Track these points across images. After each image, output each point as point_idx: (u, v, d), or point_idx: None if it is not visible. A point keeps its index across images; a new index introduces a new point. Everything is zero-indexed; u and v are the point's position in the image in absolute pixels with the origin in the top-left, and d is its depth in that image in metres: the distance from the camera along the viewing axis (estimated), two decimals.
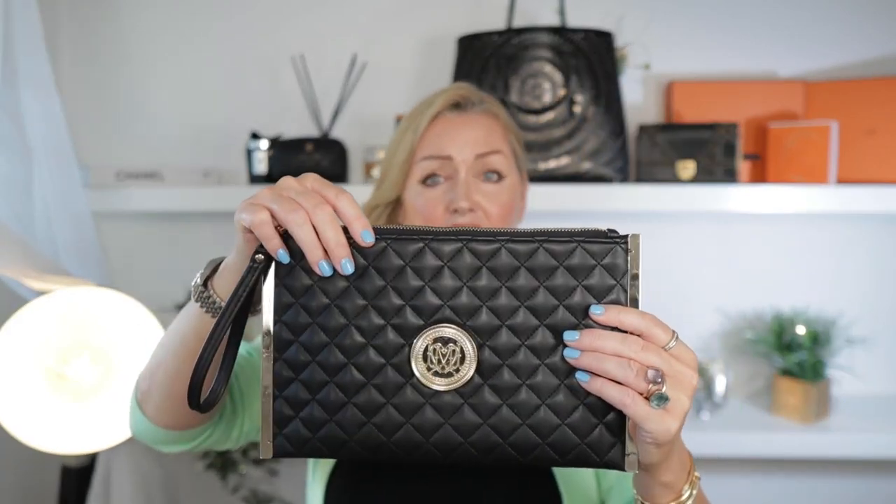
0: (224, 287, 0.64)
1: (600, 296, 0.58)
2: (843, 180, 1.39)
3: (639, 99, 1.55)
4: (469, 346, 0.58)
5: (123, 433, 1.12)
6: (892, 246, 1.55)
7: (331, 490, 0.84)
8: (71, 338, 1.09)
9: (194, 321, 0.67)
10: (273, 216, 0.56)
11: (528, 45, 1.34)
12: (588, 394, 0.57)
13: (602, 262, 0.58)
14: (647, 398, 0.54)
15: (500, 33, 1.36)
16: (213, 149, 1.62)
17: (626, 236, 0.58)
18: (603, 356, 0.55)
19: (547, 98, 1.35)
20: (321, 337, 0.58)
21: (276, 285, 0.59)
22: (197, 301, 0.66)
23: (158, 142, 1.63)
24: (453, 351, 0.58)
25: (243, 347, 0.84)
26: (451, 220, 0.85)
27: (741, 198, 1.33)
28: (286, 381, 0.59)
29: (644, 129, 1.37)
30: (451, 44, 1.43)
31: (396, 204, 0.92)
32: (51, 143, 1.27)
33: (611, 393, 0.55)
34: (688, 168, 1.34)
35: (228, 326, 0.57)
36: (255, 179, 1.48)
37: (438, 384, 0.58)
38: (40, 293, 1.11)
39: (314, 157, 1.41)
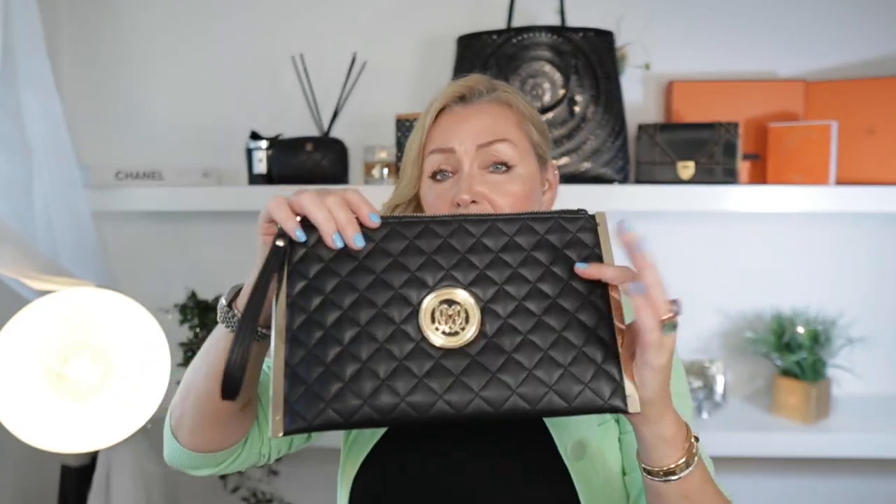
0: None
1: (579, 259, 0.66)
2: (842, 180, 1.39)
3: (639, 99, 1.55)
4: (473, 306, 0.63)
5: (123, 433, 1.12)
6: (892, 246, 1.55)
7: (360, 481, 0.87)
8: (71, 338, 1.09)
9: (222, 342, 0.70)
10: (291, 207, 0.65)
11: (527, 44, 1.34)
12: (585, 341, 0.63)
13: (577, 233, 0.67)
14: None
15: (499, 33, 1.36)
16: (213, 149, 1.62)
17: (594, 214, 0.69)
18: (646, 278, 0.61)
19: (547, 98, 1.35)
20: (333, 309, 0.62)
21: (290, 271, 0.64)
22: (223, 322, 0.70)
23: (158, 142, 1.63)
24: (458, 311, 0.63)
25: (265, 363, 0.84)
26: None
27: (741, 198, 1.33)
28: (298, 356, 0.61)
29: (644, 129, 1.37)
30: (451, 44, 1.43)
31: (416, 202, 0.92)
32: (51, 143, 1.27)
33: (653, 306, 0.60)
34: (688, 168, 1.34)
35: (258, 312, 0.60)
36: (254, 179, 1.48)
37: (448, 342, 0.62)
38: (40, 293, 1.11)
39: (314, 156, 1.41)
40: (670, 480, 0.66)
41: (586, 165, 1.34)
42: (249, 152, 1.48)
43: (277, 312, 0.63)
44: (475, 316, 0.63)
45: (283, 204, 0.65)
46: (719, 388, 1.46)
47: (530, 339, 0.63)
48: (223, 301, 0.71)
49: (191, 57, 1.62)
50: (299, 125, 1.57)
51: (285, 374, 0.60)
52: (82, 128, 1.60)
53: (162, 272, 1.64)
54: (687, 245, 1.57)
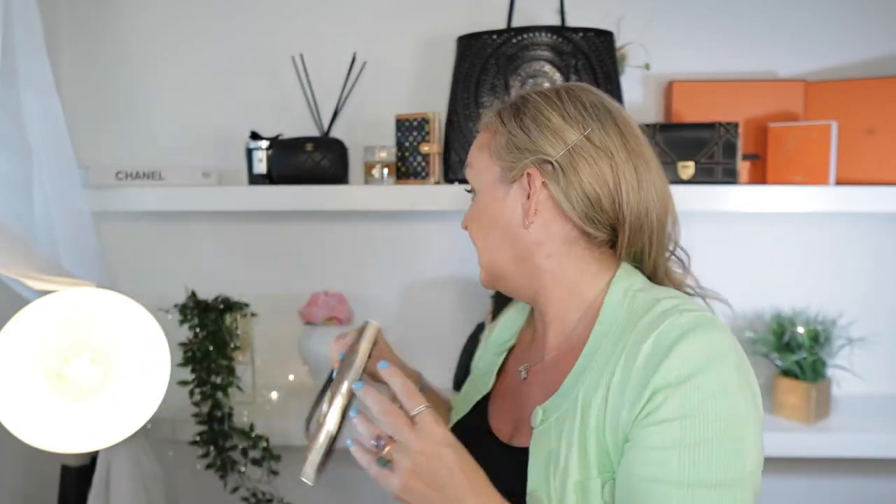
0: None
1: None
2: (842, 180, 1.39)
3: (639, 99, 1.55)
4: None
5: (123, 433, 1.12)
6: (892, 246, 1.55)
7: None
8: (71, 338, 1.09)
9: None
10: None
11: (527, 44, 1.34)
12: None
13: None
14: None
15: (499, 33, 1.36)
16: (213, 149, 1.62)
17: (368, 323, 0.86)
18: (360, 421, 0.75)
19: None
20: None
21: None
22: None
23: (158, 142, 1.63)
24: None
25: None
26: None
27: (741, 198, 1.33)
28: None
29: (643, 129, 1.37)
30: (451, 44, 1.43)
31: None
32: (51, 143, 1.27)
33: (354, 453, 0.74)
34: (688, 168, 1.34)
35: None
36: (254, 179, 1.48)
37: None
38: (40, 293, 1.11)
39: (314, 156, 1.41)
40: None
41: None
42: (249, 152, 1.48)
43: (345, 389, 0.81)
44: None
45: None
46: None
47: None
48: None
49: (191, 57, 1.62)
50: (299, 125, 1.57)
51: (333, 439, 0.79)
52: (82, 128, 1.60)
53: (162, 272, 1.64)
54: (686, 245, 1.56)
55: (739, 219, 1.55)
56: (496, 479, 0.80)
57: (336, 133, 1.54)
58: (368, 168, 1.48)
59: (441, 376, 1.63)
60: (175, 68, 1.62)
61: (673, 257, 0.87)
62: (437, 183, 1.41)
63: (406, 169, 1.42)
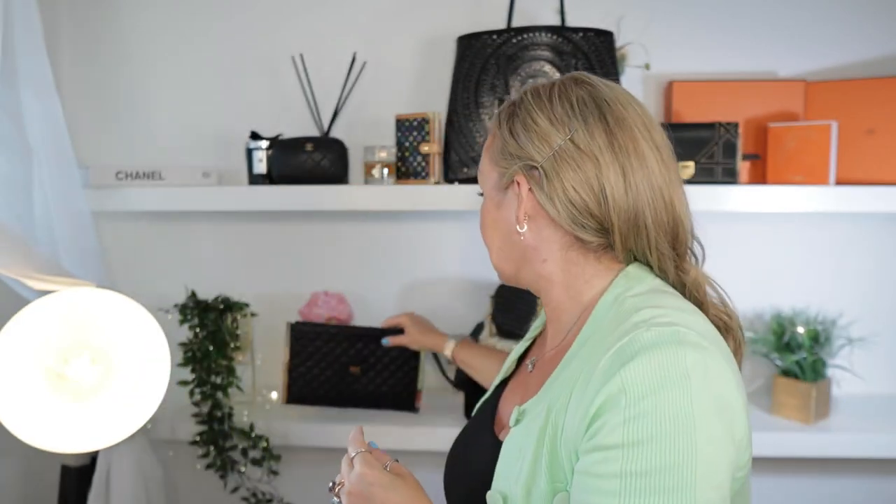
0: None
1: None
2: (842, 180, 1.39)
3: (639, 99, 1.55)
4: None
5: (123, 433, 1.12)
6: (892, 246, 1.55)
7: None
8: (71, 338, 1.09)
9: None
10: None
11: (527, 44, 1.34)
12: None
13: None
14: None
15: (499, 33, 1.36)
16: (213, 149, 1.62)
17: None
18: None
19: None
20: None
21: None
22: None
23: (158, 142, 1.63)
24: None
25: None
26: None
27: (741, 198, 1.33)
28: None
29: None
30: (451, 44, 1.43)
31: None
32: (51, 143, 1.27)
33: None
34: (688, 168, 1.34)
35: None
36: (254, 179, 1.48)
37: None
38: (40, 293, 1.11)
39: (314, 156, 1.41)
40: None
41: None
42: (249, 152, 1.48)
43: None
44: None
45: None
46: None
47: None
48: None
49: (191, 57, 1.62)
50: (299, 125, 1.57)
51: None
52: (82, 128, 1.60)
53: (162, 272, 1.64)
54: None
55: (739, 219, 1.55)
56: (486, 473, 0.81)
57: (336, 133, 1.54)
58: (368, 168, 1.48)
59: (441, 376, 1.63)
60: (175, 68, 1.62)
61: (690, 256, 0.82)
62: (437, 183, 1.41)
63: (406, 169, 1.42)
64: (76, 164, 1.33)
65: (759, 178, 1.45)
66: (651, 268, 0.80)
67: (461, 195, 1.36)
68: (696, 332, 0.68)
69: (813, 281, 1.56)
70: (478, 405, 0.98)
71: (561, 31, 1.34)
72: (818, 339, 1.45)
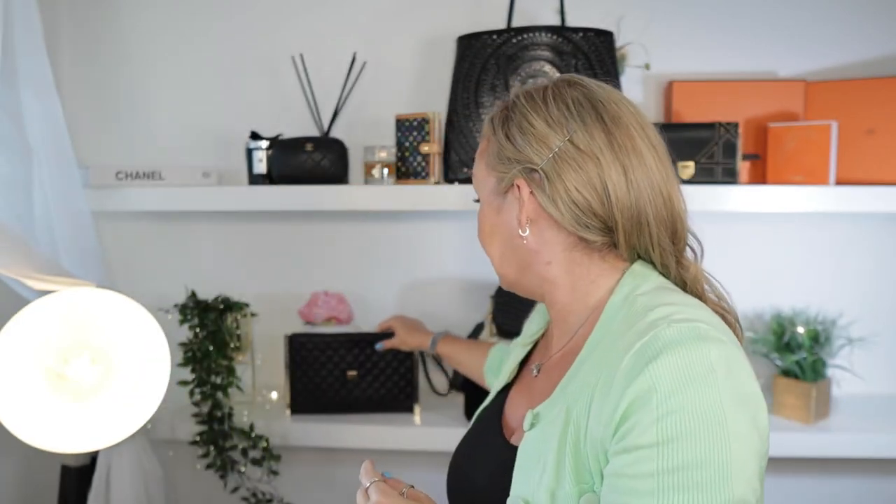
0: None
1: None
2: (842, 180, 1.39)
3: (639, 99, 1.55)
4: None
5: (123, 433, 1.12)
6: (892, 246, 1.55)
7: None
8: (71, 338, 1.09)
9: None
10: None
11: (527, 44, 1.34)
12: None
13: None
14: None
15: (499, 33, 1.36)
16: (213, 149, 1.62)
17: None
18: None
19: None
20: None
21: None
22: None
23: (158, 142, 1.63)
24: None
25: None
26: None
27: (741, 198, 1.33)
28: None
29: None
30: (451, 44, 1.43)
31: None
32: (51, 143, 1.27)
33: None
34: (687, 168, 1.34)
35: None
36: (254, 179, 1.48)
37: None
38: (40, 293, 1.11)
39: (314, 156, 1.41)
40: None
41: None
42: (249, 152, 1.48)
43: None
44: None
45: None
46: None
47: None
48: None
49: (191, 57, 1.62)
50: (299, 125, 1.57)
51: None
52: (82, 128, 1.60)
53: (162, 272, 1.64)
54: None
55: (739, 219, 1.55)
56: (495, 477, 0.80)
57: (336, 133, 1.54)
58: (368, 168, 1.48)
59: (440, 376, 1.63)
60: (175, 68, 1.62)
61: (688, 252, 0.82)
62: (437, 183, 1.41)
63: (406, 169, 1.42)
64: (76, 164, 1.33)
65: (759, 178, 1.45)
66: (653, 265, 0.80)
67: (461, 195, 1.36)
68: (714, 327, 0.69)
69: (813, 281, 1.56)
70: (478, 411, 0.97)
71: (561, 31, 1.34)
72: (818, 339, 1.45)
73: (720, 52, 1.53)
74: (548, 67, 1.34)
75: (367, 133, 1.57)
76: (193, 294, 1.47)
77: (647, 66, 1.51)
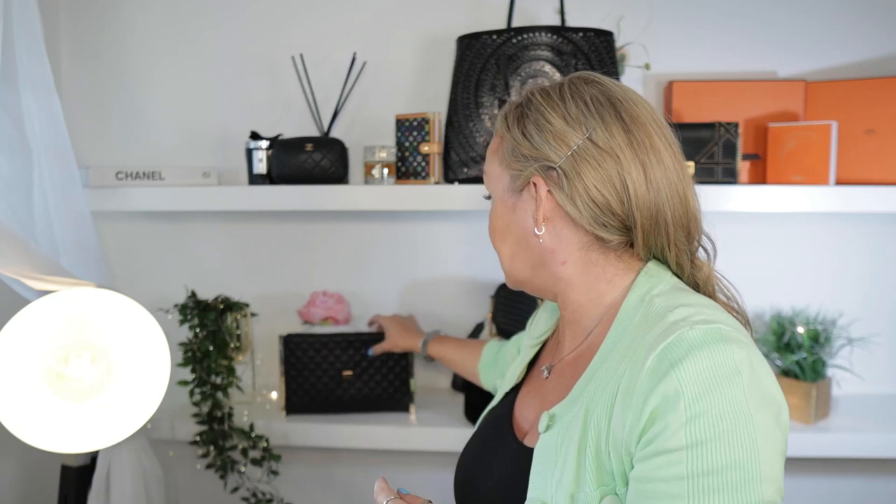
0: None
1: None
2: (842, 180, 1.39)
3: None
4: None
5: (123, 433, 1.12)
6: (893, 246, 1.55)
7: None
8: (71, 338, 1.09)
9: None
10: None
11: (527, 44, 1.34)
12: None
13: None
14: None
15: (499, 33, 1.36)
16: (213, 149, 1.62)
17: None
18: None
19: None
20: None
21: None
22: None
23: (158, 142, 1.63)
24: None
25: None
26: None
27: (741, 198, 1.33)
28: None
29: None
30: (451, 44, 1.43)
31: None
32: (51, 143, 1.27)
33: None
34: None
35: None
36: (254, 179, 1.48)
37: None
38: (40, 293, 1.11)
39: (314, 156, 1.41)
40: None
41: None
42: (249, 152, 1.48)
43: None
44: None
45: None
46: None
47: None
48: None
49: (191, 57, 1.62)
50: (299, 125, 1.57)
51: None
52: (82, 128, 1.60)
53: (162, 272, 1.64)
54: None
55: (739, 219, 1.55)
56: (508, 479, 0.79)
57: (336, 133, 1.54)
58: (368, 168, 1.48)
59: (440, 376, 1.63)
60: (175, 68, 1.62)
61: (700, 252, 0.82)
62: (437, 183, 1.41)
63: (406, 169, 1.42)
64: (76, 164, 1.33)
65: (759, 178, 1.45)
66: (667, 265, 0.79)
67: (461, 195, 1.36)
68: (734, 328, 0.69)
69: (813, 281, 1.56)
70: (485, 413, 0.96)
71: (561, 31, 1.34)
72: (818, 339, 1.45)
73: (720, 52, 1.54)
74: (548, 67, 1.34)
75: (367, 133, 1.57)
76: (193, 294, 1.47)
77: (647, 66, 1.51)
